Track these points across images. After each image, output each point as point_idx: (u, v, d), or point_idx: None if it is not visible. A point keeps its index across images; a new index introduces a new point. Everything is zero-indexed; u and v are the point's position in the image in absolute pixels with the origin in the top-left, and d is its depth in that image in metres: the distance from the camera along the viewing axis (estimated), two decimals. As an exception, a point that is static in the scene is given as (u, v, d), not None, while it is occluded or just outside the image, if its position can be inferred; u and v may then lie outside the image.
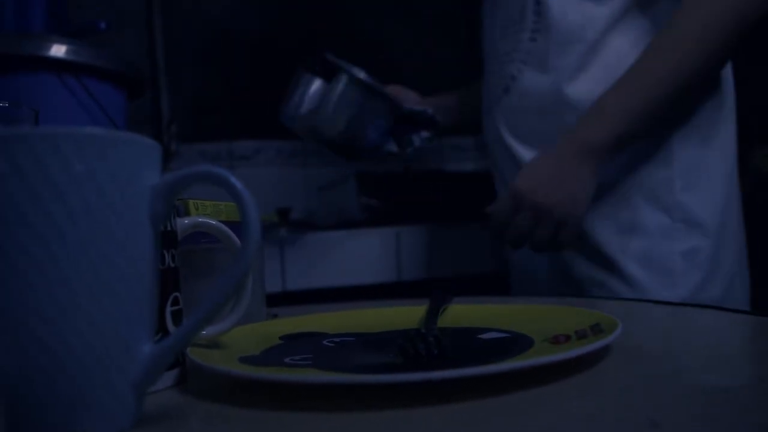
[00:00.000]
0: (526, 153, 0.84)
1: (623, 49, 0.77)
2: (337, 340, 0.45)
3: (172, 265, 0.37)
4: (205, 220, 0.40)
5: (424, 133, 0.94)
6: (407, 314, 0.49)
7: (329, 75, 0.86)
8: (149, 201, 0.28)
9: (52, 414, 0.25)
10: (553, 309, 0.46)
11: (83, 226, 0.25)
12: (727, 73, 0.82)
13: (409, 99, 1.01)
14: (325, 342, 0.44)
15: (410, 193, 1.28)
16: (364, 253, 1.13)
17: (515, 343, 0.40)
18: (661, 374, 0.34)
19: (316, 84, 0.89)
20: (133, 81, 1.12)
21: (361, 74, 0.88)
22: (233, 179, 0.28)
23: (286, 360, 0.39)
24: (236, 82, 1.55)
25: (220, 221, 0.41)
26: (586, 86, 0.78)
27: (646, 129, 0.74)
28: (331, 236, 1.12)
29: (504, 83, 0.87)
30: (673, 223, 0.77)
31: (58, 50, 0.96)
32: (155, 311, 0.30)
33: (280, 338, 0.45)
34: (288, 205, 1.29)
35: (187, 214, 0.45)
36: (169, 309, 0.36)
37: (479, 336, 0.43)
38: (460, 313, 0.49)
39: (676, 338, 0.44)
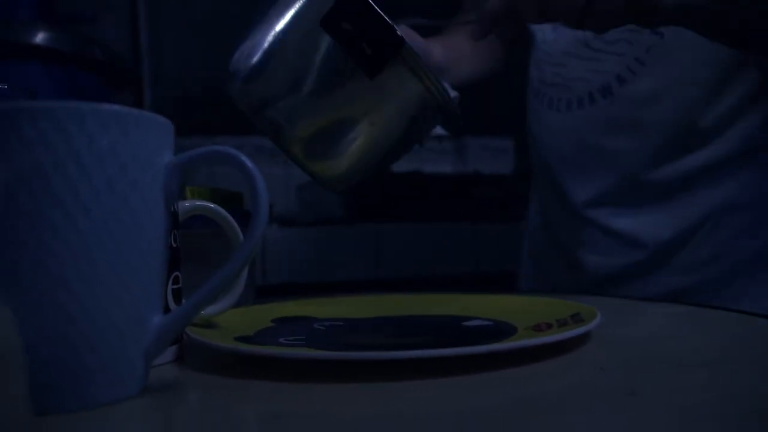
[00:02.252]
0: None
1: None
2: (327, 324, 0.46)
3: (174, 245, 0.38)
4: (205, 203, 0.41)
5: (439, 130, 0.57)
6: (393, 302, 0.51)
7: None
8: (164, 179, 0.29)
9: (71, 379, 0.26)
10: (534, 300, 0.49)
11: (106, 201, 0.26)
12: None
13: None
14: (315, 325, 0.46)
15: (390, 192, 1.29)
16: (342, 250, 1.15)
17: (499, 330, 0.42)
18: (640, 357, 0.36)
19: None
20: (117, 72, 1.12)
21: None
22: (245, 159, 0.30)
23: (281, 340, 0.40)
24: (219, 77, 1.55)
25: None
26: None
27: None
28: (311, 233, 1.14)
29: None
30: None
31: (44, 38, 0.96)
32: (164, 286, 0.31)
33: (272, 321, 0.46)
34: (273, 201, 1.30)
35: (183, 198, 0.46)
36: (170, 287, 0.37)
37: (464, 323, 0.45)
38: (444, 303, 0.51)
39: (661, 331, 0.46)
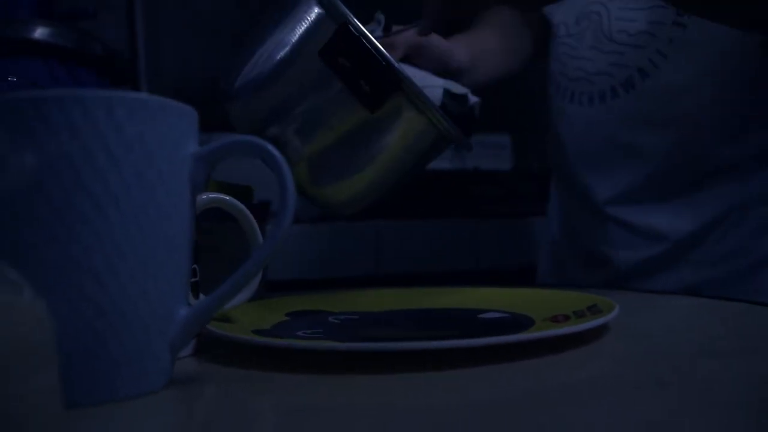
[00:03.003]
0: None
1: None
2: (342, 317, 0.46)
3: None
4: (221, 196, 0.41)
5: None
6: (407, 295, 0.51)
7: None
8: (190, 170, 0.29)
9: (99, 371, 0.26)
10: (551, 293, 0.48)
11: (135, 192, 0.26)
12: None
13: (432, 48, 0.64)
14: (330, 319, 0.46)
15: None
16: (344, 247, 1.15)
17: (516, 322, 0.42)
18: (658, 349, 0.36)
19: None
20: (116, 68, 1.12)
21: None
22: (273, 149, 0.29)
23: (299, 333, 0.40)
24: (216, 76, 1.54)
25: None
26: None
27: None
28: (312, 229, 1.13)
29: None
30: None
31: (44, 34, 0.95)
32: (188, 278, 0.31)
33: (286, 315, 0.46)
34: (267, 198, 1.29)
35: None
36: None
37: (480, 316, 0.45)
38: (459, 296, 0.51)
39: (679, 324, 0.46)
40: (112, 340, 0.26)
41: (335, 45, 0.42)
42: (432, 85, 0.57)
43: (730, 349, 0.36)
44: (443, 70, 0.64)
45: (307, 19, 0.44)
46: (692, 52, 0.66)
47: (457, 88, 0.57)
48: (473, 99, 0.58)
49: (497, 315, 0.45)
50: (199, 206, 0.40)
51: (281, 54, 0.44)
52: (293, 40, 0.44)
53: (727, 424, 0.24)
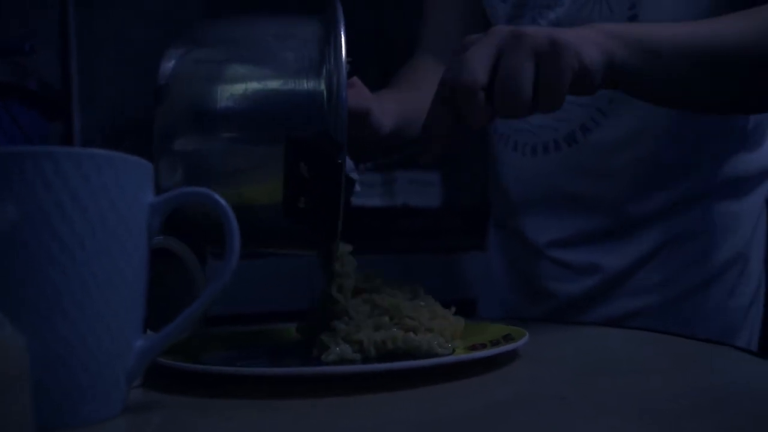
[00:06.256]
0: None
1: None
2: (278, 346, 0.50)
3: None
4: (171, 239, 0.44)
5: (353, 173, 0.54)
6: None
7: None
8: (146, 216, 0.33)
9: (66, 398, 0.29)
10: (472, 325, 0.53)
11: (100, 236, 0.29)
12: None
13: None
14: (267, 347, 0.49)
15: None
16: (278, 282, 1.17)
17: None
18: (567, 369, 0.42)
19: None
20: (51, 103, 1.13)
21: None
22: (220, 199, 0.33)
23: (237, 364, 0.43)
24: (150, 107, 1.55)
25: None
26: None
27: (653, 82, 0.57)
28: (247, 264, 1.15)
29: None
30: None
31: (-20, 70, 0.96)
32: (144, 312, 0.34)
33: (224, 345, 0.49)
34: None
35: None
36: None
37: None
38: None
39: (587, 348, 0.51)
40: (79, 370, 0.29)
41: (310, 148, 0.42)
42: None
43: (624, 369, 0.42)
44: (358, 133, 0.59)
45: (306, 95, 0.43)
46: (630, 109, 0.71)
47: (351, 172, 0.53)
48: (355, 175, 0.54)
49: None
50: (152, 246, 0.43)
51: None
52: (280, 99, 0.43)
53: (613, 427, 0.29)
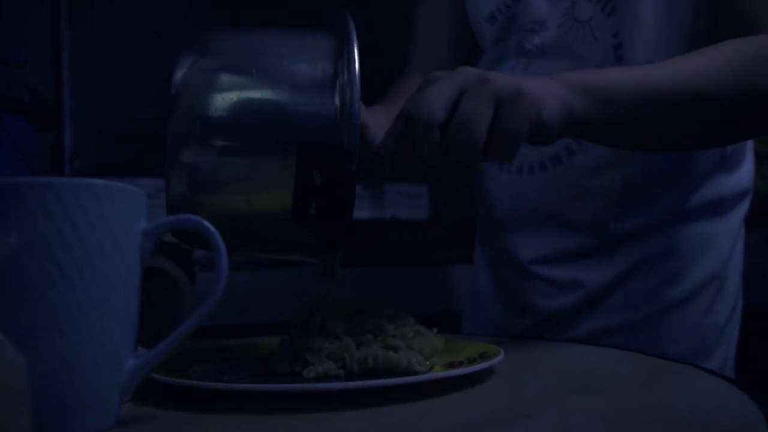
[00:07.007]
0: None
1: None
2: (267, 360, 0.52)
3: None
4: (165, 261, 0.46)
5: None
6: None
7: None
8: (140, 242, 0.35)
9: (62, 412, 0.31)
10: (452, 342, 0.55)
11: (97, 262, 0.32)
12: None
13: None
14: (255, 362, 0.51)
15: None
16: (263, 295, 1.19)
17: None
18: (536, 386, 0.44)
19: None
20: (44, 113, 1.14)
21: None
22: (209, 225, 0.35)
23: (224, 378, 0.45)
24: (140, 119, 1.57)
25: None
26: None
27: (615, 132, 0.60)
28: (233, 277, 1.17)
29: None
30: None
31: (-27, 83, 0.97)
32: (136, 331, 0.36)
33: (212, 360, 0.51)
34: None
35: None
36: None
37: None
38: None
39: (559, 366, 0.53)
40: (75, 386, 0.31)
41: (323, 156, 0.44)
42: None
43: (595, 387, 0.44)
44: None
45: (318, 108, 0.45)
46: None
47: None
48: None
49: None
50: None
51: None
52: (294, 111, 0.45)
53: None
